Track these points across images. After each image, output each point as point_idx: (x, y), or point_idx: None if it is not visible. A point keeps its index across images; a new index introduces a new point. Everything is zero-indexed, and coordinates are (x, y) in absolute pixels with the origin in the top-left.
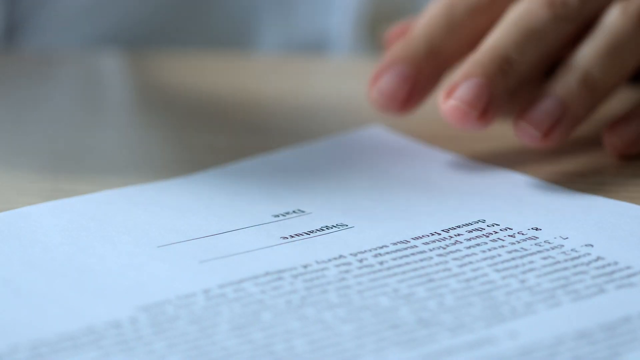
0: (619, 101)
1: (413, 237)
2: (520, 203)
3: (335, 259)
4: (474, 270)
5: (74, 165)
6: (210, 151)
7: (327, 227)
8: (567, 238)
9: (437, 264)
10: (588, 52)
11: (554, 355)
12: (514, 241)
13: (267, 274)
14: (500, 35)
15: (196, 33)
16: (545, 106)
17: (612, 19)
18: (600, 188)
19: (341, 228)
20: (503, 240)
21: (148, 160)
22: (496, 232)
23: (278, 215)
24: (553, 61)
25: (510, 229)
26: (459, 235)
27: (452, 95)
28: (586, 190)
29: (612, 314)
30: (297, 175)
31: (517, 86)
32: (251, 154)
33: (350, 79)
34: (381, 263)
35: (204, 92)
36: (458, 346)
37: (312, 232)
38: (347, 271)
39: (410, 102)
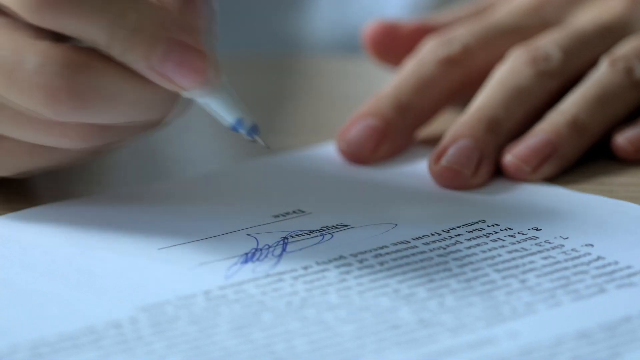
0: None
1: (413, 237)
2: (521, 203)
3: (335, 259)
4: (475, 270)
5: (76, 167)
6: (212, 152)
7: (327, 228)
8: (567, 238)
9: (437, 264)
10: (577, 99)
11: (555, 355)
12: (514, 241)
13: (267, 275)
14: (486, 96)
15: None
16: (534, 143)
17: (601, 73)
18: (600, 188)
19: (341, 228)
20: (503, 240)
21: (149, 162)
22: (496, 232)
23: (278, 216)
24: (540, 116)
25: (510, 229)
26: (459, 235)
27: (442, 158)
28: (586, 190)
29: (613, 314)
30: (297, 175)
31: (506, 142)
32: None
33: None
34: (381, 264)
35: None
36: (458, 346)
37: (312, 232)
38: (347, 272)
39: (378, 152)
